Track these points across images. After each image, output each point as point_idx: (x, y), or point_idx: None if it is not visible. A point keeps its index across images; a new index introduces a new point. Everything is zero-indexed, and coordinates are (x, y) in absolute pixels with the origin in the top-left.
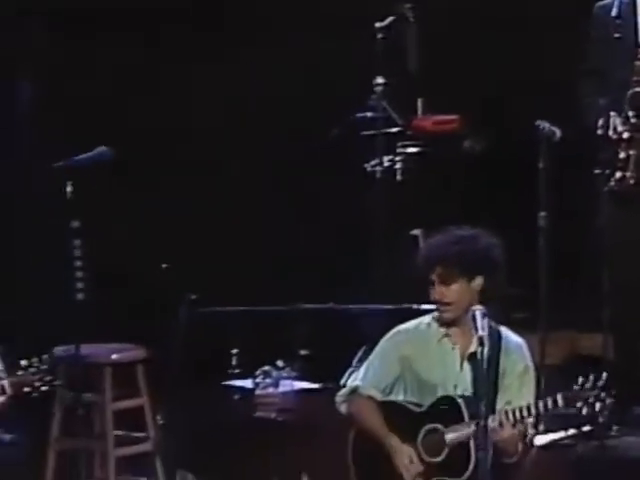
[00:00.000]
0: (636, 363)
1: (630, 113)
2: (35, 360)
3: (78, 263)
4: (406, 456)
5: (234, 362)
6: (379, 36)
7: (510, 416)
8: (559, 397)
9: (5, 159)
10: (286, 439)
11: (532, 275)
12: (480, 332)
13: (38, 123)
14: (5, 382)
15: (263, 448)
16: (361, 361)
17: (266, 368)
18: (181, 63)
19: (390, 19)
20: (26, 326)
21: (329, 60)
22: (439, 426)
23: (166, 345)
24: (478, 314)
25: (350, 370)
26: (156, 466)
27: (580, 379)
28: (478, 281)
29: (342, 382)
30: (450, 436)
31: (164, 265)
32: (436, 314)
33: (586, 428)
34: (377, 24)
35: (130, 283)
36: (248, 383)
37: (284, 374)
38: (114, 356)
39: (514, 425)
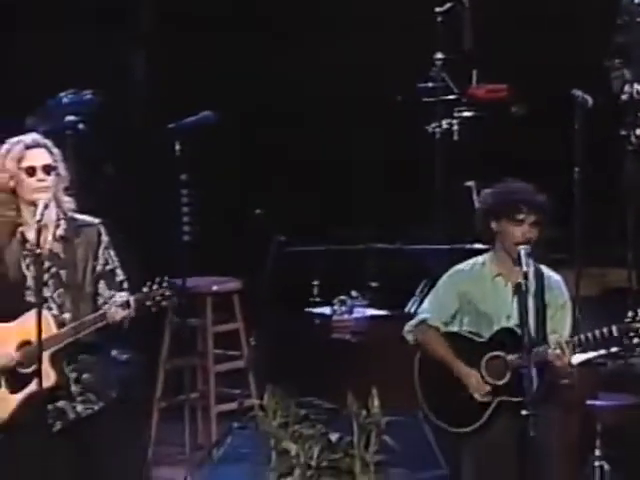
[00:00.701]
0: None
1: None
2: (156, 280)
3: (185, 209)
4: (474, 378)
5: (315, 292)
6: (439, 19)
7: (570, 345)
8: (614, 328)
9: (125, 122)
10: (358, 358)
11: (567, 221)
12: (524, 268)
13: (153, 90)
14: (130, 298)
15: (339, 365)
16: (422, 292)
17: (342, 297)
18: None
19: (448, 5)
20: (143, 262)
21: (399, 39)
22: (501, 353)
23: (258, 278)
24: (523, 252)
25: (413, 300)
26: (249, 380)
27: (630, 312)
28: (539, 230)
29: (406, 310)
30: (511, 360)
31: (257, 211)
32: (490, 254)
33: (614, 349)
34: (437, 9)
35: (229, 226)
36: (327, 310)
37: (357, 302)
38: (214, 287)
39: (573, 352)
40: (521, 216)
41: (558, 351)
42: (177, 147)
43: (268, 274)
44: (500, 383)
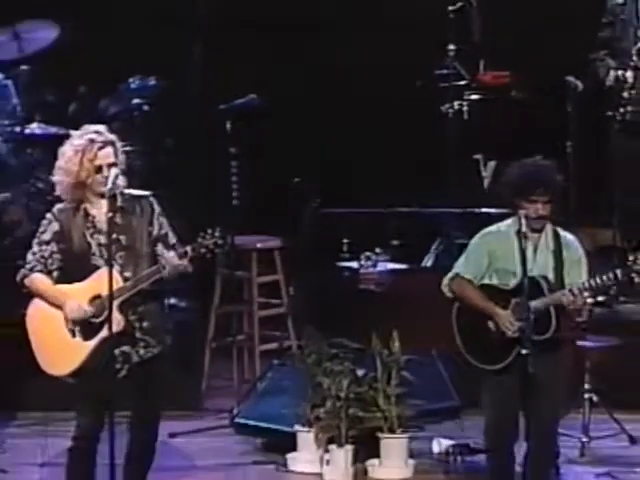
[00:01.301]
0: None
1: (635, 58)
2: (209, 231)
3: (234, 178)
4: (506, 318)
5: (345, 249)
6: (451, 16)
7: (582, 290)
8: (618, 272)
9: (183, 104)
10: (381, 305)
11: (563, 188)
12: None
13: (208, 76)
14: (188, 247)
15: (364, 312)
16: (437, 249)
17: (368, 254)
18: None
19: (459, 4)
20: (197, 223)
21: (418, 33)
22: (524, 299)
23: (296, 237)
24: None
25: (428, 255)
26: (288, 324)
27: (631, 256)
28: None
29: (422, 264)
30: (535, 304)
31: (296, 179)
32: (514, 220)
33: (601, 298)
34: (450, 7)
35: (271, 192)
36: (354, 264)
37: (380, 258)
38: (258, 245)
39: (583, 296)
40: (534, 197)
41: (571, 297)
42: (228, 125)
43: (304, 233)
44: (524, 325)
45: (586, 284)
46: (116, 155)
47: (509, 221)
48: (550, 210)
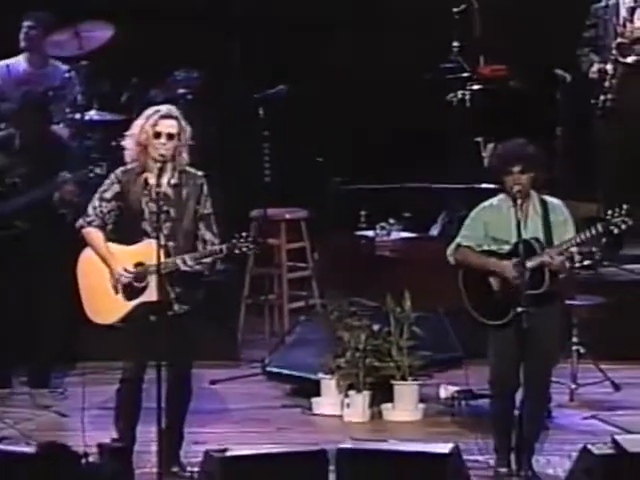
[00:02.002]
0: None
1: (614, 52)
2: (243, 234)
3: (266, 158)
4: (509, 267)
5: (362, 220)
6: (456, 16)
7: (560, 249)
8: (599, 226)
9: (222, 93)
10: (394, 269)
11: (552, 166)
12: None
13: (243, 68)
14: (223, 246)
15: (380, 274)
16: (442, 220)
17: (383, 224)
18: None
19: (463, 6)
20: (235, 197)
21: (428, 31)
22: (520, 260)
23: (320, 209)
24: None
25: (434, 226)
26: (313, 285)
27: (609, 211)
28: (533, 174)
29: (430, 233)
30: (530, 263)
31: (319, 159)
32: (505, 194)
33: (587, 262)
34: (454, 9)
35: (298, 170)
36: (371, 233)
37: (394, 228)
38: (287, 215)
39: (561, 254)
40: (509, 168)
41: (548, 259)
42: (260, 111)
43: (327, 206)
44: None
45: (566, 240)
46: (179, 130)
47: (501, 196)
48: (528, 180)
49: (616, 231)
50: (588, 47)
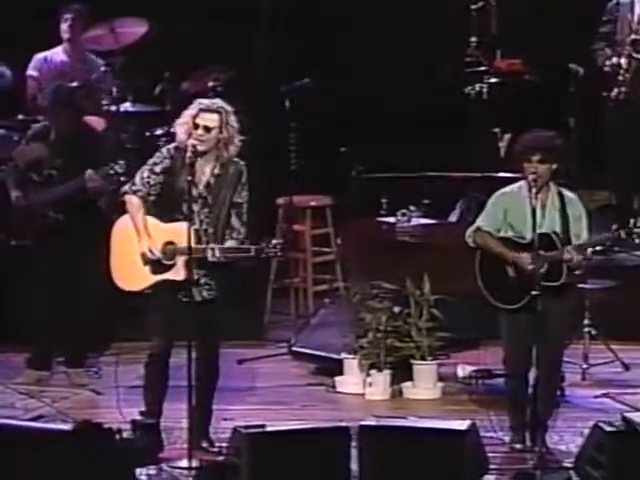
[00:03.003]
0: (630, 208)
1: (628, 47)
2: (272, 241)
3: (293, 148)
4: (526, 258)
5: (384, 207)
6: (473, 13)
7: (581, 247)
8: (622, 232)
9: (251, 86)
10: (414, 253)
11: (565, 155)
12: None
13: (271, 63)
14: (252, 247)
15: (400, 259)
16: (460, 207)
17: (403, 211)
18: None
19: (480, 3)
20: (264, 185)
21: (447, 27)
22: (541, 251)
23: (344, 196)
24: (532, 182)
25: (453, 212)
26: (336, 269)
27: (632, 220)
28: (553, 165)
29: (448, 219)
30: (549, 256)
31: (343, 149)
32: (525, 182)
33: (598, 248)
34: (472, 6)
35: (323, 159)
36: (392, 220)
37: (414, 214)
38: (312, 202)
39: (581, 253)
40: (528, 156)
41: (569, 256)
42: (287, 103)
43: (350, 193)
44: (540, 272)
45: (588, 242)
46: (222, 123)
47: (520, 183)
48: (546, 171)
49: (638, 240)
50: (603, 42)
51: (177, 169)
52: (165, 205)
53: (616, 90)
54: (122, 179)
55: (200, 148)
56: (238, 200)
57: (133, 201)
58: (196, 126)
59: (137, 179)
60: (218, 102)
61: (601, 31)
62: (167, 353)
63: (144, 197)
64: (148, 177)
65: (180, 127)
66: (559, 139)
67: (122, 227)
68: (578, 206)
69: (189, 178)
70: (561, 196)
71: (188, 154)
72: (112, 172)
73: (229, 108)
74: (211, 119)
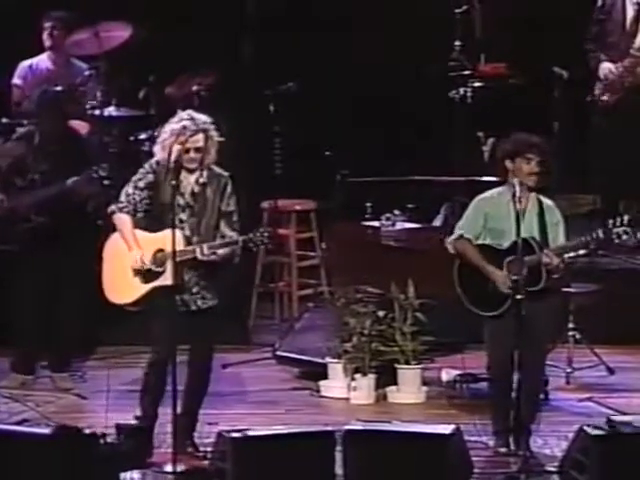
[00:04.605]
0: (616, 212)
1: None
2: (260, 229)
3: (277, 152)
4: (502, 277)
5: (368, 211)
6: (458, 17)
7: (558, 251)
8: (600, 233)
9: (235, 90)
10: (399, 257)
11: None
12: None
13: (255, 67)
14: (240, 238)
15: (385, 263)
16: (445, 211)
17: (388, 215)
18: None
19: (464, 7)
20: (248, 189)
21: (432, 30)
22: (519, 256)
23: (328, 201)
24: (517, 187)
25: (437, 217)
26: (321, 273)
27: (610, 221)
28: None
29: (433, 224)
30: (528, 261)
31: (327, 153)
32: (507, 187)
33: (582, 252)
34: (457, 10)
35: (308, 163)
36: (377, 223)
37: (399, 218)
38: (297, 207)
39: (559, 256)
40: (531, 156)
41: (548, 260)
42: (271, 108)
43: (335, 197)
44: (518, 278)
45: (568, 244)
46: (206, 139)
47: (500, 188)
48: (539, 171)
49: (617, 240)
50: (594, 43)
51: (161, 182)
52: (153, 218)
53: (606, 94)
54: (106, 182)
55: (193, 166)
56: (227, 209)
57: (121, 217)
58: (187, 150)
59: (122, 197)
60: (199, 119)
61: (592, 31)
62: (166, 361)
63: (131, 213)
64: (133, 193)
65: (164, 148)
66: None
67: (112, 244)
68: (556, 213)
69: (173, 182)
70: (540, 202)
71: (172, 165)
72: (96, 175)
73: (207, 119)
74: (199, 139)
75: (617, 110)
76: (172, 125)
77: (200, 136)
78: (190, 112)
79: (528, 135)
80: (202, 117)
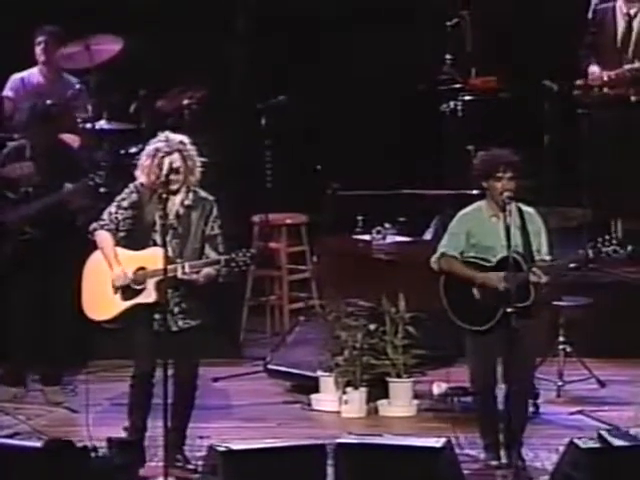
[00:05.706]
0: (607, 226)
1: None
2: (243, 250)
3: (268, 165)
4: (494, 276)
5: (359, 224)
6: (449, 30)
7: (546, 270)
8: (590, 251)
9: (226, 103)
10: (390, 271)
11: (539, 174)
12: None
13: (247, 80)
14: (221, 258)
15: (376, 276)
16: (435, 225)
17: (379, 228)
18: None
19: (455, 20)
20: (238, 204)
21: (423, 45)
22: (512, 272)
23: (319, 214)
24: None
25: (428, 230)
26: (312, 287)
27: (600, 239)
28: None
29: (424, 237)
30: (516, 277)
31: (318, 167)
32: (485, 202)
33: (572, 265)
34: (448, 23)
35: (299, 177)
36: (367, 237)
37: (389, 232)
38: (288, 220)
39: (547, 273)
40: (499, 174)
41: (535, 278)
42: (263, 121)
43: (326, 211)
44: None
45: (556, 263)
46: (184, 159)
47: (479, 203)
48: (514, 186)
49: (606, 259)
50: (588, 50)
51: (144, 202)
52: (135, 237)
53: (595, 105)
54: (102, 190)
55: (174, 188)
56: (211, 233)
57: (100, 235)
58: (171, 173)
59: (105, 215)
60: (173, 140)
61: (586, 41)
62: (150, 374)
63: (112, 231)
64: (116, 212)
65: (143, 170)
66: (517, 154)
67: (92, 262)
68: (537, 220)
69: (159, 206)
70: (520, 212)
71: (158, 189)
72: (92, 183)
73: (183, 138)
74: (174, 159)
75: (607, 124)
76: (149, 147)
77: (175, 156)
78: (167, 133)
79: (498, 152)
80: (177, 137)
